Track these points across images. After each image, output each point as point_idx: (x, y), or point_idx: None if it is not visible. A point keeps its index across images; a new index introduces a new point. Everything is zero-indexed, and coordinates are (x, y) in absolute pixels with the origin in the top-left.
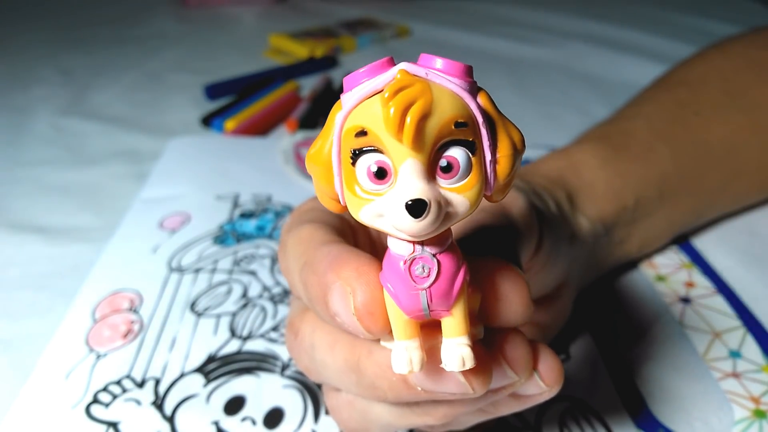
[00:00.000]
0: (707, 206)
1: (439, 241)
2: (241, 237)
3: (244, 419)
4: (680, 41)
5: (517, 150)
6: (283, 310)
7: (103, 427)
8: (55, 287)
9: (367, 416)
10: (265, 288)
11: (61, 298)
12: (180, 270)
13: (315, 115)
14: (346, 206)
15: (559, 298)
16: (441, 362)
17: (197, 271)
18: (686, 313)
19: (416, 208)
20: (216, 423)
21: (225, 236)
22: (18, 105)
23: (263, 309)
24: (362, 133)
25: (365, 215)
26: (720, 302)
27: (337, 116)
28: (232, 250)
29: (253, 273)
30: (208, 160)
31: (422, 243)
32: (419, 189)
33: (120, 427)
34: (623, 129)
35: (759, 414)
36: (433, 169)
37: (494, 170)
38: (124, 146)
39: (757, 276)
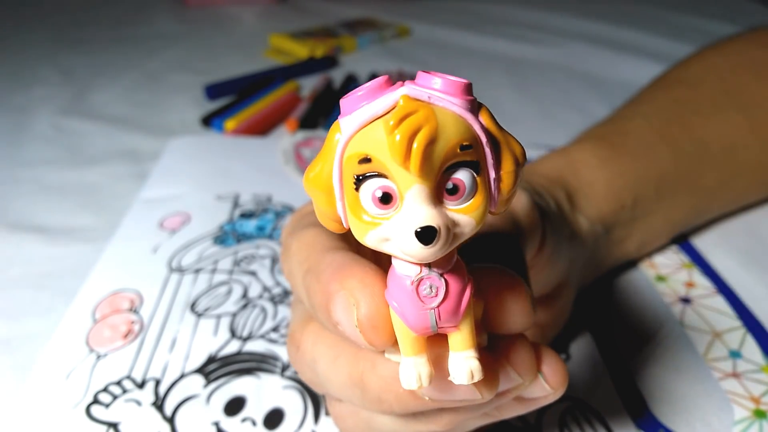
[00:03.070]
0: (706, 205)
1: (445, 260)
2: (242, 237)
3: (244, 420)
4: (680, 41)
5: (519, 164)
6: (283, 310)
7: (104, 427)
8: (55, 287)
9: (372, 425)
10: (266, 288)
11: (61, 298)
12: (180, 270)
13: (315, 115)
14: (348, 228)
15: (559, 297)
16: (449, 375)
17: (197, 271)
18: (686, 313)
19: (426, 235)
20: (216, 424)
21: (225, 236)
22: (18, 105)
23: (263, 309)
24: (366, 160)
25: (371, 240)
26: (720, 302)
27: (337, 141)
28: (233, 251)
29: (253, 273)
30: (208, 160)
31: (429, 264)
32: (428, 216)
33: (120, 427)
34: (622, 128)
35: (759, 414)
36: (439, 192)
37: (498, 187)
38: (124, 146)
39: (757, 276)
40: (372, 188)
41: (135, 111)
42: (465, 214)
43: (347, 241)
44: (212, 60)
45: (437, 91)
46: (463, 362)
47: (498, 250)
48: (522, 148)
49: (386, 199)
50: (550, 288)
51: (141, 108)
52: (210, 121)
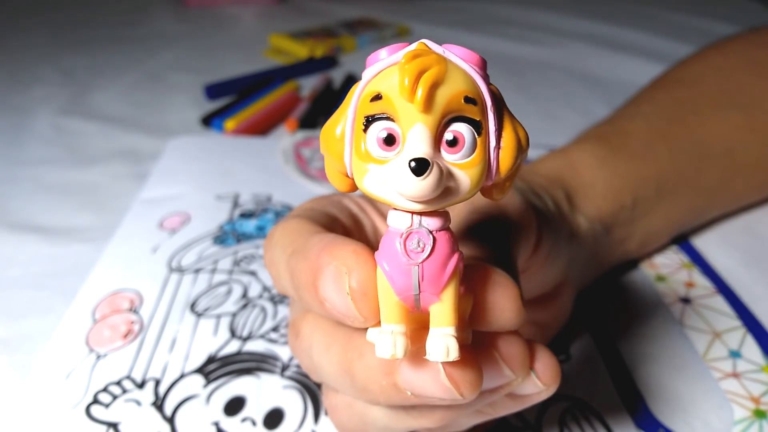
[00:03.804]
0: (706, 205)
1: (437, 218)
2: (241, 237)
3: (244, 420)
4: (680, 41)
5: (521, 146)
6: (283, 310)
7: (104, 427)
8: (55, 287)
9: (365, 419)
10: (265, 288)
11: (61, 298)
12: (180, 270)
13: (315, 115)
14: (353, 182)
15: (559, 297)
16: (425, 353)
17: (197, 271)
18: (686, 313)
19: (419, 165)
20: (216, 424)
21: (225, 236)
22: (18, 105)
23: (263, 309)
24: (377, 97)
25: (370, 182)
26: (720, 302)
27: (356, 87)
28: (232, 251)
29: (253, 273)
30: (208, 160)
31: (420, 216)
32: (424, 150)
33: (120, 427)
34: (621, 128)
35: (759, 414)
36: (438, 142)
37: (497, 158)
38: (124, 146)
39: (757, 276)
40: (378, 129)
41: (135, 111)
42: (461, 169)
43: (331, 229)
44: (212, 60)
45: (453, 53)
46: (441, 338)
47: (487, 249)
48: (527, 134)
49: (390, 140)
50: (549, 288)
51: (141, 108)
52: (210, 121)
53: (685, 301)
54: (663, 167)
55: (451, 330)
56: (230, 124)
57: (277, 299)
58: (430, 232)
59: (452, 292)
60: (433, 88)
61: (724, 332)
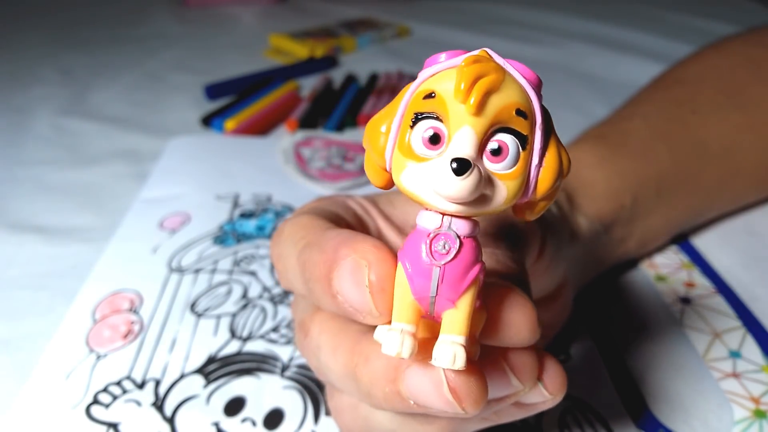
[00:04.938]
0: (705, 205)
1: (467, 223)
2: (241, 237)
3: (244, 420)
4: (680, 41)
5: (563, 170)
6: (283, 310)
7: (104, 428)
8: (55, 287)
9: (370, 422)
10: (265, 288)
11: (61, 298)
12: (180, 270)
13: (315, 115)
14: (390, 177)
15: (559, 297)
16: (431, 359)
17: (197, 271)
18: (686, 313)
19: (460, 165)
20: (216, 424)
21: (225, 236)
22: (18, 105)
23: (263, 310)
24: (430, 95)
25: (407, 177)
26: (720, 302)
27: (410, 85)
28: (232, 251)
29: (253, 273)
30: (208, 160)
31: (451, 219)
32: (467, 153)
33: (120, 428)
34: (621, 128)
35: (759, 414)
36: (483, 149)
37: (537, 176)
38: (124, 146)
39: (757, 276)
40: (425, 127)
41: (135, 111)
42: (501, 179)
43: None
44: (212, 60)
45: (513, 66)
46: (449, 345)
47: (503, 261)
48: (569, 159)
49: (435, 139)
50: (550, 290)
51: (141, 108)
52: (210, 121)
53: (685, 301)
54: (662, 167)
55: (461, 339)
56: (230, 124)
57: (277, 299)
58: (458, 236)
59: (469, 300)
60: (488, 94)
61: (724, 332)
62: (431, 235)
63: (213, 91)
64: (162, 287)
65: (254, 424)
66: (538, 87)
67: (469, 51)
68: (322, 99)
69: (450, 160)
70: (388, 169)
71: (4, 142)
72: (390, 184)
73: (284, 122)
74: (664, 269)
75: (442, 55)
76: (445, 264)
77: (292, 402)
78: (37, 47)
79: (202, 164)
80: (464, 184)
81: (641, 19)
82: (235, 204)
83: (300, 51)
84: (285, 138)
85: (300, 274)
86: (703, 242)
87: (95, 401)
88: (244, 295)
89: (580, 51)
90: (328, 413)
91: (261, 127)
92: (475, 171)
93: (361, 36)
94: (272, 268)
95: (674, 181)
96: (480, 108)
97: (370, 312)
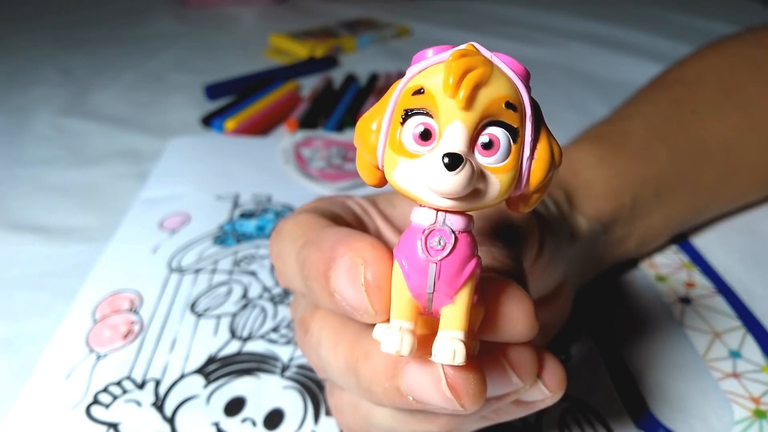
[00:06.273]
0: (705, 204)
1: (461, 218)
2: (241, 237)
3: (244, 420)
4: (679, 41)
5: (554, 161)
6: (283, 310)
7: (104, 428)
8: (55, 287)
9: (370, 420)
10: (266, 289)
11: (61, 298)
12: (180, 270)
13: (315, 115)
14: (382, 176)
15: (559, 296)
16: (431, 355)
17: (197, 271)
18: (686, 313)
19: (452, 160)
20: (216, 424)
21: (225, 236)
22: (18, 105)
23: (263, 310)
24: (419, 91)
25: (400, 174)
26: (720, 302)
27: (399, 82)
28: (232, 251)
29: (253, 273)
30: (208, 160)
31: (445, 214)
32: (458, 148)
33: (120, 428)
34: (620, 128)
35: (759, 414)
36: (474, 143)
37: (529, 169)
38: (124, 146)
39: (757, 276)
40: (415, 123)
41: (135, 111)
42: (493, 173)
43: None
44: (212, 60)
45: (500, 59)
46: (448, 341)
47: (500, 257)
48: (560, 150)
49: (426, 135)
50: (550, 289)
51: (141, 108)
52: (210, 121)
53: (685, 301)
54: (662, 166)
55: (460, 334)
56: (230, 124)
57: (277, 300)
58: (453, 232)
59: (466, 295)
60: (476, 87)
61: (724, 332)
62: (426, 232)
63: (213, 91)
64: (162, 287)
65: (254, 424)
66: (526, 79)
67: (457, 46)
68: (322, 99)
69: (442, 155)
70: (380, 167)
71: (4, 142)
72: (383, 182)
73: (284, 122)
74: (664, 269)
75: (430, 51)
76: (441, 260)
77: (292, 402)
78: (38, 47)
79: (202, 164)
80: (457, 179)
81: (641, 19)
82: (235, 204)
83: (300, 51)
84: (285, 138)
85: (299, 272)
86: (703, 242)
87: (95, 401)
88: (244, 295)
89: (580, 51)
90: (328, 413)
91: (261, 127)
92: (468, 165)
93: (361, 36)
94: (272, 268)
95: (674, 181)
96: (469, 102)
97: (367, 310)
